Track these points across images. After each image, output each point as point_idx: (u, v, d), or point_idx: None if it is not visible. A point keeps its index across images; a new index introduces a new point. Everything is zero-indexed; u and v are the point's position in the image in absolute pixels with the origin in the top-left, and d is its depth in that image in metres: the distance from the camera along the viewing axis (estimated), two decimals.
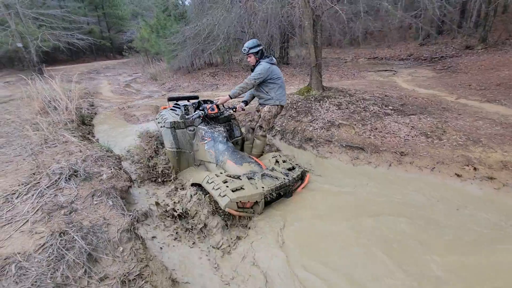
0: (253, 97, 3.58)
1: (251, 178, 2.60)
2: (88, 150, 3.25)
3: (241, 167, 2.76)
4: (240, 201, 2.35)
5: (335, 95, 5.04)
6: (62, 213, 2.07)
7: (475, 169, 3.03)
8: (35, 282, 1.53)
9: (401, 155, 3.49)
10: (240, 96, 3.22)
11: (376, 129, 4.02)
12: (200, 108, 3.40)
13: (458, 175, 3.05)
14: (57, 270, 1.61)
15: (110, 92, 10.26)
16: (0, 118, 5.40)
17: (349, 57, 14.48)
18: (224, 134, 3.25)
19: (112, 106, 7.75)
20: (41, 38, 13.05)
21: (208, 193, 2.51)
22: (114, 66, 20.10)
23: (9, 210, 2.18)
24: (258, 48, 3.12)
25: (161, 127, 3.36)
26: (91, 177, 2.59)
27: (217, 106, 3.41)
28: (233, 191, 2.37)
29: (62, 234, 1.84)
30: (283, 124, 4.59)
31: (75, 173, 2.57)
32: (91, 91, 9.86)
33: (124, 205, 2.40)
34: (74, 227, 1.91)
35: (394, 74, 9.18)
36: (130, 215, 2.18)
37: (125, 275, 1.70)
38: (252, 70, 3.19)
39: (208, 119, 3.39)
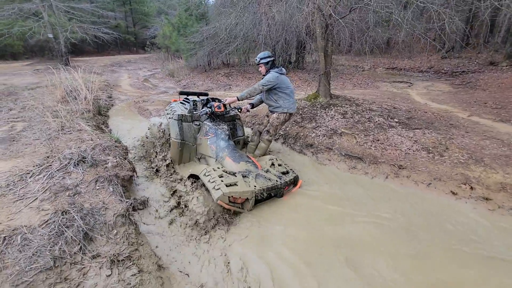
0: (261, 102, 3.73)
1: (245, 176, 2.73)
2: (98, 139, 3.49)
3: (238, 165, 2.91)
4: (232, 196, 2.49)
5: (341, 104, 5.07)
6: (67, 195, 2.28)
7: (471, 188, 3.00)
8: (36, 252, 1.72)
9: (399, 168, 3.49)
10: (247, 99, 3.41)
11: (378, 140, 4.04)
12: (208, 105, 3.57)
13: (453, 193, 3.03)
14: (56, 244, 1.80)
15: (128, 86, 10.71)
16: (26, 103, 5.83)
17: (367, 65, 14.32)
18: (227, 132, 3.40)
19: (129, 99, 8.12)
20: (70, 30, 13.80)
21: (204, 184, 2.67)
22: (136, 60, 20.86)
23: (22, 187, 2.41)
24: (269, 59, 3.33)
25: (169, 118, 3.53)
26: (97, 164, 2.81)
27: (224, 105, 3.58)
28: (227, 185, 2.52)
29: (64, 213, 2.03)
30: (287, 129, 4.69)
31: (83, 159, 2.79)
32: (111, 83, 10.34)
33: (124, 192, 2.59)
34: (75, 208, 2.10)
35: (409, 86, 9.02)
36: (127, 202, 2.36)
37: (115, 255, 1.86)
38: (262, 76, 3.41)
39: (214, 116, 3.56)
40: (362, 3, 4.19)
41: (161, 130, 3.80)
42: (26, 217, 2.04)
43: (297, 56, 11.85)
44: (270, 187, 2.73)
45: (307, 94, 6.11)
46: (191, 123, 3.45)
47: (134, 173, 3.17)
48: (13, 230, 1.89)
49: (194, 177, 2.94)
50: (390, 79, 10.51)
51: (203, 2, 12.68)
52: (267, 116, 3.74)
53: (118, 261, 1.84)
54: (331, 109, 4.90)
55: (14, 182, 2.49)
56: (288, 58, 11.88)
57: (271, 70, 3.34)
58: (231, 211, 2.64)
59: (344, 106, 4.98)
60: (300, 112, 5.04)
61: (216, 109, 3.48)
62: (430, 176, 3.28)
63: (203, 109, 3.53)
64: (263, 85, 3.24)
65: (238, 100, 3.31)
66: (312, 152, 4.16)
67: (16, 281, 1.55)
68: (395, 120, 4.53)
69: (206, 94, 4.07)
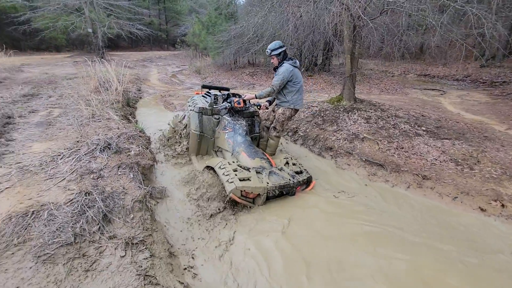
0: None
1: (259, 172, 2.76)
2: (124, 128, 3.67)
3: (253, 160, 2.94)
4: (244, 191, 2.54)
5: (366, 108, 4.91)
6: (91, 177, 2.43)
7: (503, 205, 2.78)
8: (59, 228, 1.85)
9: (423, 178, 3.32)
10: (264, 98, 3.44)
11: (402, 148, 3.86)
12: (228, 100, 3.63)
13: (482, 209, 2.82)
14: (77, 222, 1.92)
15: (157, 80, 11.13)
16: (63, 92, 6.27)
17: (397, 71, 13.75)
18: (245, 128, 3.43)
19: (156, 93, 8.44)
20: (108, 25, 14.63)
21: (219, 176, 2.74)
22: (166, 56, 21.62)
23: (53, 168, 2.60)
24: (281, 50, 3.21)
25: (191, 110, 3.61)
26: (121, 151, 2.96)
27: (244, 101, 3.62)
28: (240, 180, 2.57)
29: (87, 194, 2.17)
30: (307, 130, 4.62)
31: (108, 146, 2.95)
32: (141, 77, 10.81)
33: (143, 180, 2.70)
34: (97, 190, 2.23)
35: (441, 94, 8.52)
36: (145, 188, 2.46)
37: (130, 238, 1.95)
38: (275, 70, 3.34)
39: (234, 112, 3.60)
40: (394, 5, 4.03)
41: (182, 123, 3.91)
42: (54, 195, 2.19)
43: (324, 58, 11.64)
44: (282, 185, 2.73)
45: (331, 97, 5.98)
46: (211, 116, 3.52)
47: (155, 163, 3.30)
48: (41, 205, 2.04)
49: (210, 169, 3.00)
50: (421, 86, 10.00)
51: (233, 2, 12.86)
52: (273, 111, 3.70)
53: (132, 244, 1.92)
54: (355, 113, 4.76)
55: (46, 162, 2.69)
56: (314, 60, 11.71)
57: (284, 61, 3.26)
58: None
59: (369, 111, 4.81)
60: (322, 114, 4.95)
61: (235, 104, 3.52)
62: (457, 190, 3.08)
63: (223, 103, 3.59)
64: (278, 83, 3.22)
65: (256, 98, 3.37)
66: (331, 155, 4.07)
67: (39, 253, 1.67)
68: (423, 128, 4.30)
69: (228, 89, 4.13)
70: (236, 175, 2.61)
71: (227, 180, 2.57)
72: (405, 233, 2.38)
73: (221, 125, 3.50)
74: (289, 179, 2.81)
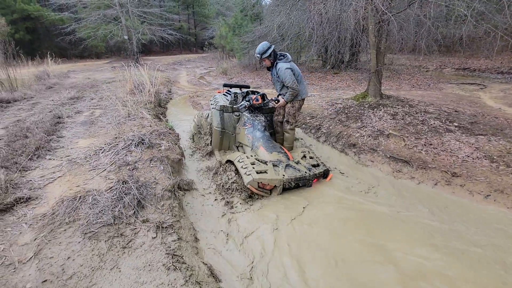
0: None
1: (276, 165, 2.92)
2: (156, 126, 3.98)
3: (270, 154, 3.10)
4: (261, 182, 2.72)
5: (392, 104, 4.76)
6: (128, 168, 2.70)
7: None
8: (101, 210, 2.12)
9: (452, 175, 3.18)
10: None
11: (431, 144, 3.71)
12: (247, 98, 3.80)
13: None
14: (116, 206, 2.18)
15: (186, 82, 11.67)
16: (103, 94, 6.88)
17: (432, 65, 12.93)
18: (264, 124, 3.58)
19: (185, 94, 8.88)
20: (142, 32, 15.59)
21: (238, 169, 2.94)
22: (194, 59, 22.43)
23: (96, 160, 2.94)
24: (270, 51, 3.28)
25: (213, 108, 3.84)
26: (152, 146, 3.23)
27: (262, 97, 3.76)
28: (257, 172, 2.75)
29: (124, 182, 2.43)
30: (330, 127, 4.61)
31: (142, 142, 3.24)
32: (171, 80, 11.41)
33: (172, 172, 2.94)
34: (133, 180, 2.49)
35: (481, 89, 7.90)
36: (174, 179, 2.69)
37: (160, 222, 2.17)
38: (269, 69, 3.50)
39: (253, 108, 3.76)
40: None
41: (207, 121, 4.15)
42: (97, 183, 2.49)
43: (350, 54, 11.34)
44: (298, 178, 2.88)
45: (356, 93, 5.87)
46: (232, 113, 3.72)
47: (183, 157, 3.54)
48: (87, 192, 2.34)
49: (231, 163, 3.21)
50: (458, 81, 9.34)
51: (258, 2, 13.04)
52: (282, 106, 3.77)
53: (163, 227, 2.14)
54: (380, 109, 4.65)
55: (90, 155, 3.04)
56: (341, 57, 11.46)
57: (278, 62, 3.33)
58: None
59: (395, 107, 4.67)
60: (346, 111, 4.90)
61: (254, 101, 3.69)
62: (490, 187, 2.92)
63: (242, 102, 3.76)
64: (294, 85, 3.32)
65: (287, 102, 3.55)
66: (354, 152, 4.03)
67: (85, 230, 1.94)
68: (455, 124, 4.08)
69: (248, 87, 4.30)
70: (253, 168, 2.79)
71: (245, 173, 2.76)
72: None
73: (241, 121, 3.70)
74: (305, 172, 2.93)
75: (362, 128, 4.33)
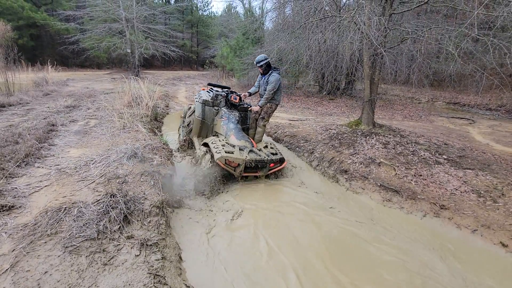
0: (255, 92, 4.48)
1: (241, 149, 3.56)
2: (150, 140, 3.98)
3: (239, 141, 3.78)
4: (228, 159, 3.34)
5: (384, 133, 4.89)
6: (117, 182, 2.67)
7: None
8: (86, 223, 2.07)
9: (441, 208, 3.21)
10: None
11: (421, 175, 3.78)
12: (228, 96, 4.52)
13: (503, 245, 2.67)
14: (101, 220, 2.13)
15: (184, 98, 11.79)
16: (100, 104, 6.90)
17: (425, 98, 13.42)
18: (237, 118, 4.28)
19: (182, 109, 8.94)
20: (145, 46, 15.95)
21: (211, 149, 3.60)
22: (194, 76, 22.84)
23: (86, 171, 2.90)
24: (263, 62, 4.10)
25: (196, 101, 4.44)
26: (145, 160, 3.22)
27: (240, 98, 4.46)
28: (226, 152, 3.37)
29: (112, 196, 2.39)
30: (323, 152, 4.68)
31: (134, 155, 3.23)
32: (170, 94, 11.53)
33: (162, 187, 2.90)
34: (121, 193, 2.45)
35: (470, 123, 8.19)
36: (163, 195, 2.65)
37: (145, 239, 2.12)
38: (262, 74, 4.23)
39: (230, 105, 4.52)
40: (414, 34, 4.13)
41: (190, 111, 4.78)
42: (84, 195, 2.45)
43: (346, 82, 11.74)
44: (258, 160, 3.54)
45: (350, 120, 6.02)
46: (212, 107, 4.38)
47: (174, 173, 3.51)
48: (72, 203, 2.29)
49: (206, 145, 3.87)
50: (448, 114, 9.69)
51: (260, 27, 13.58)
52: (261, 106, 4.45)
53: (147, 245, 2.08)
54: (372, 138, 4.75)
55: (80, 166, 3.00)
56: (337, 84, 11.84)
57: (273, 71, 4.11)
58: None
59: (387, 136, 4.78)
60: (339, 137, 4.99)
61: (232, 98, 4.46)
62: (477, 222, 2.95)
63: (221, 92, 4.67)
64: (272, 91, 4.06)
65: (261, 108, 4.25)
66: (345, 178, 4.07)
67: (67, 244, 1.88)
68: (444, 156, 4.19)
69: (228, 88, 5.04)
70: (223, 148, 3.43)
71: (216, 151, 3.38)
72: None
73: (219, 114, 4.37)
74: (264, 157, 3.61)
75: (354, 155, 4.39)
